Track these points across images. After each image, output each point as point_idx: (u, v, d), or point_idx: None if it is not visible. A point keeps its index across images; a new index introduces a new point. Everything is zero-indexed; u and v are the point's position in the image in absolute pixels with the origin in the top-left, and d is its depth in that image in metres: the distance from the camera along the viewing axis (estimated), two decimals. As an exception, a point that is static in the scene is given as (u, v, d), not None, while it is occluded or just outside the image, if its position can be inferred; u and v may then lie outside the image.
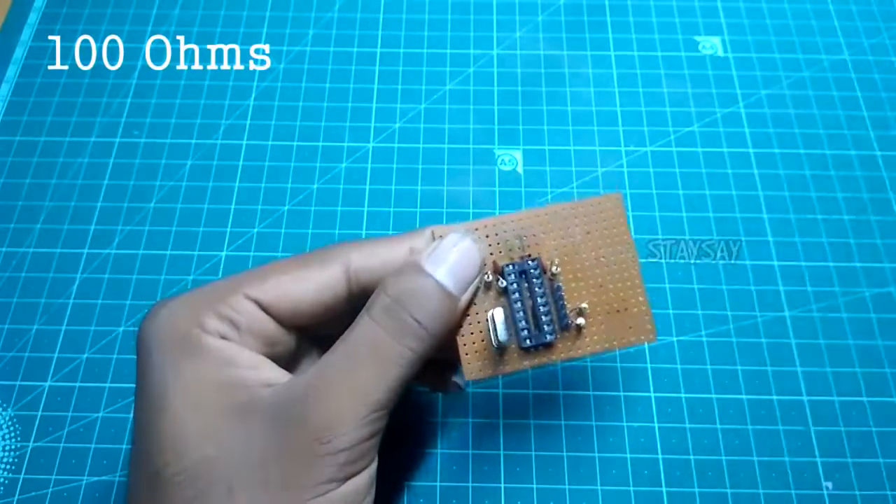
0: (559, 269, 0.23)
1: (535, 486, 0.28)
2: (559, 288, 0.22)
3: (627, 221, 0.24)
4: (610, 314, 0.23)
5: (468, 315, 0.22)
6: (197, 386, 0.20)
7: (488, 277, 0.22)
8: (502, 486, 0.28)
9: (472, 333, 0.22)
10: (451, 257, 0.22)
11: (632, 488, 0.28)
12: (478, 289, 0.22)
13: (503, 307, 0.22)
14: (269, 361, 0.22)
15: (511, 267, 0.22)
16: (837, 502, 0.28)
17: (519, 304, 0.22)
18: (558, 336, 0.22)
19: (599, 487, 0.28)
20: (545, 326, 0.22)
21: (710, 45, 0.40)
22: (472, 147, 0.36)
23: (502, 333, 0.22)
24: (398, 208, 0.35)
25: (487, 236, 0.23)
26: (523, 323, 0.22)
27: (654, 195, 0.35)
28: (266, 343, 0.22)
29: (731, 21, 0.41)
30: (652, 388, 0.30)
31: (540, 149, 0.36)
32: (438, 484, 0.28)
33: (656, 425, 0.29)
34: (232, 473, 0.19)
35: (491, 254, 0.22)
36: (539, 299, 0.22)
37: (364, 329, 0.21)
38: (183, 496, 0.19)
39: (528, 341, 0.22)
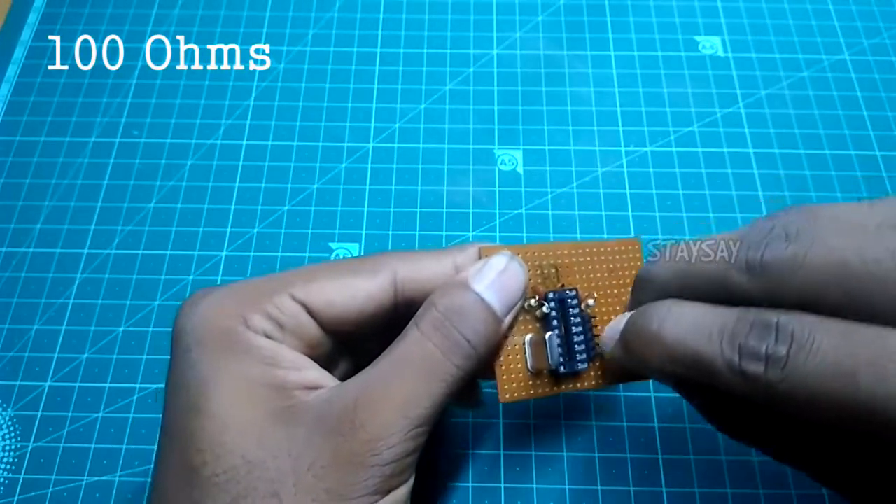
0: (595, 302, 0.23)
1: (535, 486, 0.28)
2: (590, 319, 0.23)
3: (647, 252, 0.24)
4: None
5: (506, 337, 0.22)
6: (240, 385, 0.20)
7: (535, 302, 0.23)
8: (502, 486, 0.28)
9: (509, 356, 0.22)
10: (498, 279, 0.22)
11: (632, 488, 0.28)
12: (518, 313, 0.23)
13: (543, 333, 0.23)
14: (312, 362, 0.21)
15: (552, 294, 0.23)
16: (837, 502, 0.28)
17: (557, 332, 0.23)
18: (589, 365, 0.23)
19: (599, 487, 0.28)
20: (578, 355, 0.23)
21: (710, 45, 0.40)
22: (472, 147, 0.36)
23: (554, 358, 0.22)
24: (398, 208, 0.35)
25: (528, 262, 0.23)
26: (560, 350, 0.23)
27: (654, 195, 0.35)
28: (307, 346, 0.22)
29: (731, 21, 0.41)
30: (652, 389, 0.30)
31: (540, 149, 0.36)
32: (438, 483, 0.28)
33: (656, 425, 0.29)
34: (275, 478, 0.19)
35: (530, 279, 0.23)
36: (574, 328, 0.23)
37: (413, 342, 0.21)
38: (222, 497, 0.19)
39: (562, 368, 0.22)
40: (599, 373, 0.23)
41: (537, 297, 0.23)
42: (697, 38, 0.40)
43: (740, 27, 0.41)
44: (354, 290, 0.22)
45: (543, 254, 0.23)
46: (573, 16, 0.41)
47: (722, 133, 0.37)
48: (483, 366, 0.22)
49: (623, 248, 0.25)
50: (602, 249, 0.24)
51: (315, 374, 0.21)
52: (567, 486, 0.28)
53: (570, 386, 0.23)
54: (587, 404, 0.30)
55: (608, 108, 0.38)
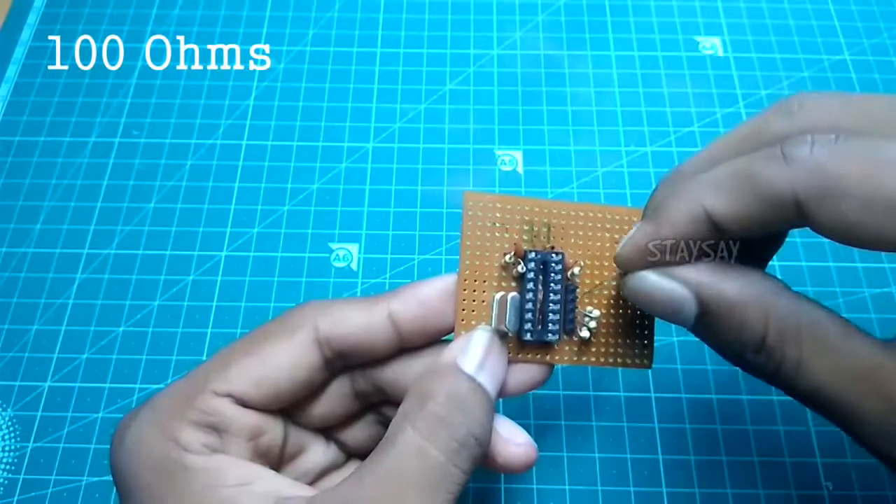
0: (580, 271, 0.22)
1: (535, 486, 0.28)
2: (574, 290, 0.21)
3: None
4: (615, 331, 0.22)
5: (475, 291, 0.21)
6: None
7: (509, 259, 0.21)
8: (502, 486, 0.28)
9: (473, 311, 0.21)
10: (486, 357, 0.20)
11: (632, 488, 0.28)
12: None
13: (511, 292, 0.21)
14: (263, 470, 0.19)
15: (534, 254, 0.21)
16: (837, 502, 0.28)
17: (531, 295, 0.21)
18: (561, 338, 0.21)
19: (599, 487, 0.28)
20: (550, 325, 0.21)
21: (710, 45, 0.40)
22: (472, 147, 0.36)
23: (512, 319, 0.21)
24: (398, 208, 0.35)
25: (517, 215, 0.21)
26: (529, 315, 0.21)
27: (654, 195, 0.35)
28: (252, 437, 0.20)
29: (731, 21, 0.41)
30: (652, 389, 0.30)
31: (540, 149, 0.36)
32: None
33: (656, 425, 0.29)
34: None
35: (516, 234, 0.21)
36: (552, 295, 0.21)
37: (410, 447, 0.18)
38: None
39: (529, 335, 0.21)
40: (572, 349, 0.21)
41: (514, 254, 0.21)
42: (697, 38, 0.40)
43: (740, 27, 0.41)
44: (276, 361, 0.20)
45: (537, 209, 0.21)
46: (573, 16, 0.41)
47: (722, 133, 0.37)
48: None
49: (634, 217, 0.22)
50: (608, 216, 0.22)
51: (267, 485, 0.18)
52: (567, 487, 0.28)
53: (535, 357, 0.21)
54: (587, 404, 0.30)
55: (608, 108, 0.38)
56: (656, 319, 0.22)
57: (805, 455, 0.29)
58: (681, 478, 0.28)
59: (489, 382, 0.19)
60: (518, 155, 0.36)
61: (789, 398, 0.30)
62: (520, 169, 0.36)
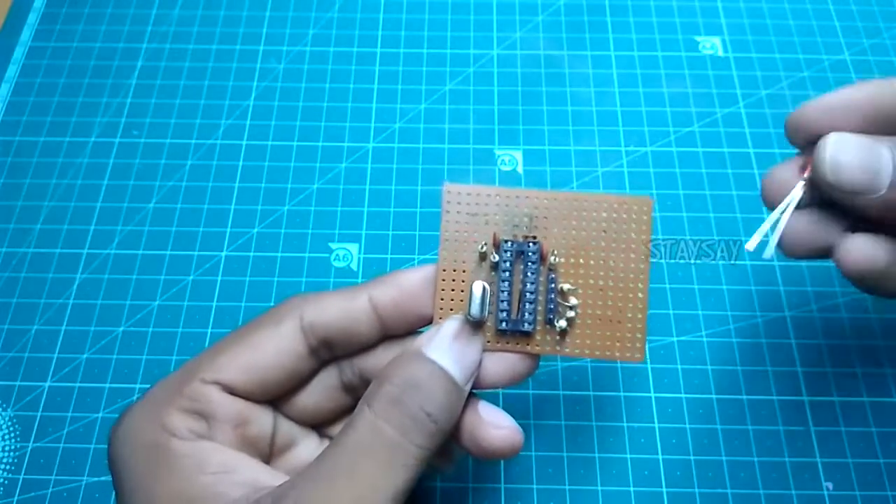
0: (559, 261, 0.21)
1: (535, 486, 0.28)
2: (554, 280, 0.21)
3: (652, 230, 0.22)
4: (601, 321, 0.22)
5: (454, 280, 0.21)
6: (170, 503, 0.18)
7: (483, 248, 0.21)
8: (502, 486, 0.28)
9: (451, 300, 0.21)
10: (453, 344, 0.20)
11: (632, 488, 0.28)
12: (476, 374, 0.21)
13: (490, 282, 0.21)
14: (246, 459, 0.20)
15: (509, 244, 0.21)
16: (837, 502, 0.28)
17: (507, 284, 0.21)
18: (538, 328, 0.21)
19: (599, 488, 0.28)
20: (526, 314, 0.21)
21: (710, 45, 0.40)
22: (472, 147, 0.36)
23: (475, 308, 0.21)
24: (398, 208, 0.35)
25: (497, 205, 0.21)
26: (505, 304, 0.21)
27: (655, 195, 0.35)
28: (238, 424, 0.20)
29: (731, 21, 0.41)
30: (652, 388, 0.30)
31: (540, 149, 0.36)
32: (439, 485, 0.28)
33: (656, 425, 0.29)
34: None
35: (496, 225, 0.21)
36: (528, 285, 0.21)
37: (365, 426, 0.18)
38: None
39: (503, 324, 0.21)
40: (553, 338, 0.21)
41: (492, 244, 0.21)
42: (697, 38, 0.40)
43: (740, 27, 0.41)
44: (262, 347, 0.20)
45: (516, 199, 0.21)
46: (573, 16, 0.41)
47: (722, 133, 0.37)
48: (446, 440, 0.20)
49: (626, 205, 0.21)
50: (596, 204, 0.21)
51: (248, 473, 0.19)
52: (567, 487, 0.28)
53: (514, 347, 0.21)
54: (587, 404, 0.30)
55: (608, 108, 0.38)
56: (648, 312, 0.22)
57: (805, 455, 0.29)
58: (681, 478, 0.28)
59: (455, 367, 0.20)
60: (518, 155, 0.36)
61: (790, 398, 0.30)
62: (520, 169, 0.36)
